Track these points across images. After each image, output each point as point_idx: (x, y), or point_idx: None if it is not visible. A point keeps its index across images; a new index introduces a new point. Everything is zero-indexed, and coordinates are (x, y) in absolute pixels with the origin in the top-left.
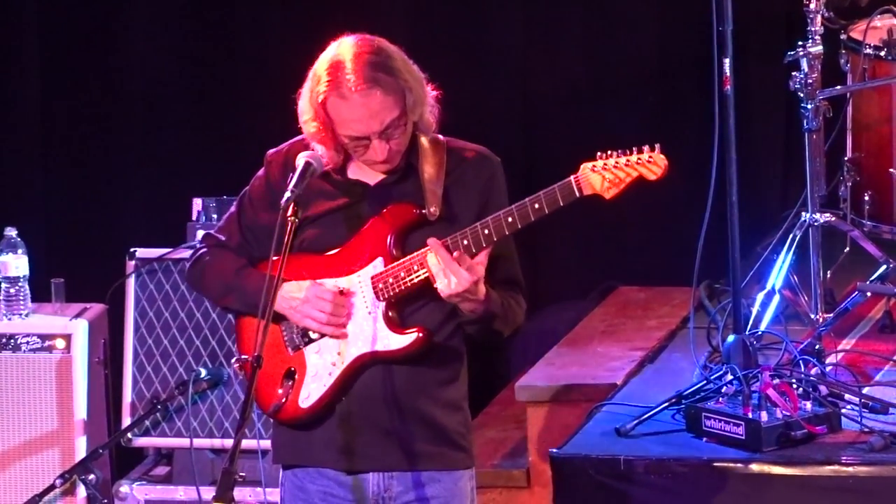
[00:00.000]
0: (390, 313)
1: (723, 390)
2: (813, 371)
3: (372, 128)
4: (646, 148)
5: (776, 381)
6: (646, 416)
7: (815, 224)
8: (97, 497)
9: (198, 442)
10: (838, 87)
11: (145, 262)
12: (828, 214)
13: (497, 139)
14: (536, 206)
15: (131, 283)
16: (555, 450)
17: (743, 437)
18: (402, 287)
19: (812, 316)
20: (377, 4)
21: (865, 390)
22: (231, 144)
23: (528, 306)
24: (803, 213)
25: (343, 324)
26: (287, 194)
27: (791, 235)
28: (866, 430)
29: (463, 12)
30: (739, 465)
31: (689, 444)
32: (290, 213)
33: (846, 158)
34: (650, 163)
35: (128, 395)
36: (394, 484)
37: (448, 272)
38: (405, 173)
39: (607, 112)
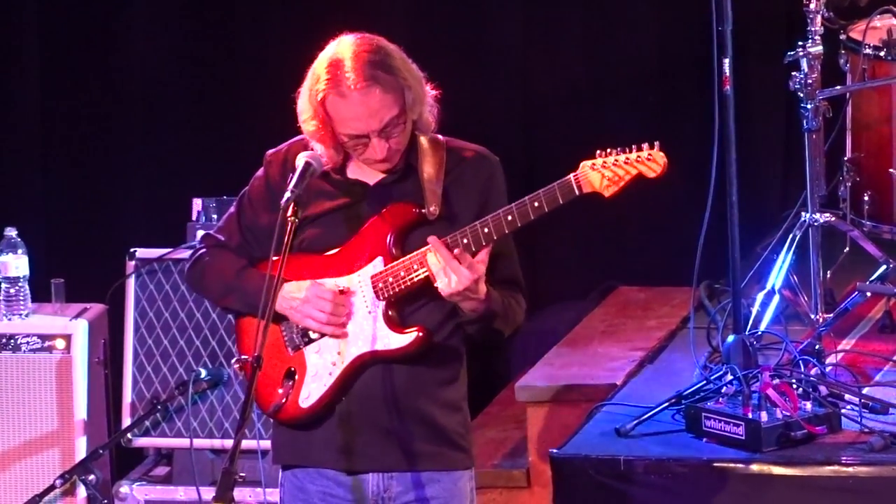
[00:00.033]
0: (390, 312)
1: (723, 390)
2: (813, 371)
3: (371, 126)
4: (645, 146)
5: (776, 381)
6: (646, 416)
7: (815, 224)
8: (97, 497)
9: (198, 442)
10: (838, 87)
11: (145, 262)
12: (828, 214)
13: (497, 139)
14: (536, 204)
15: (131, 283)
16: (555, 450)
17: (743, 438)
18: (402, 286)
19: (812, 316)
20: (377, 4)
21: (865, 390)
22: (231, 144)
23: (527, 306)
24: (803, 213)
25: (343, 323)
26: (287, 194)
27: (791, 235)
28: (866, 430)
29: (463, 12)
30: (739, 465)
31: (689, 445)
32: (290, 213)
33: (846, 158)
34: (649, 160)
35: (128, 396)
36: (393, 484)
37: (448, 271)
38: (405, 173)
39: (607, 112)
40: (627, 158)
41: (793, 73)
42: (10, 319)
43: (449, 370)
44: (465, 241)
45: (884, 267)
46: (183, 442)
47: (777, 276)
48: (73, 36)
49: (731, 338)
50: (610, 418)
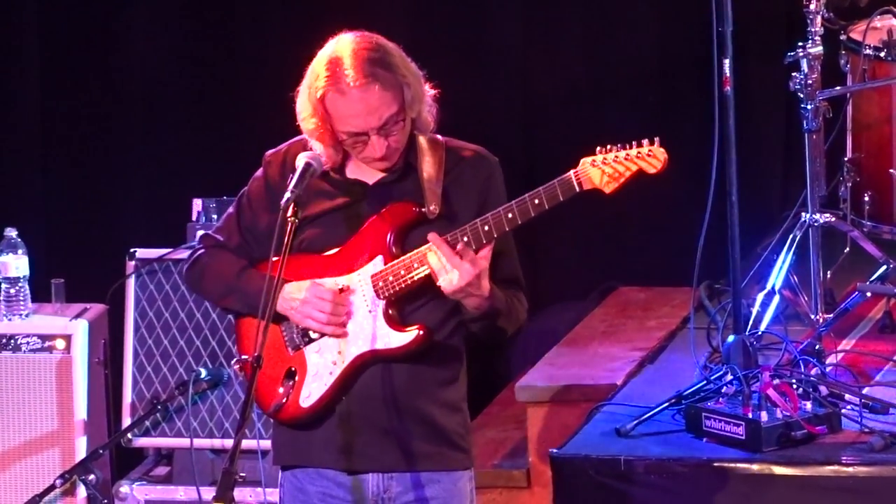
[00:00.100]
0: (390, 311)
1: (723, 390)
2: (813, 371)
3: (370, 123)
4: (645, 142)
5: (776, 381)
6: (646, 416)
7: (815, 224)
8: (97, 497)
9: (198, 442)
10: (838, 87)
11: (145, 262)
12: (828, 215)
13: (497, 139)
14: (536, 201)
15: (131, 283)
16: (555, 450)
17: (743, 438)
18: (403, 285)
19: (812, 316)
20: (377, 4)
21: (865, 390)
22: (231, 144)
23: (528, 306)
24: (803, 214)
25: (343, 323)
26: (287, 194)
27: (791, 236)
28: (866, 430)
29: (463, 12)
30: (739, 465)
31: (689, 445)
32: (290, 213)
33: (846, 159)
34: (650, 156)
35: (128, 396)
36: (393, 485)
37: (450, 267)
38: (404, 172)
39: (607, 112)
40: (628, 155)
41: (793, 74)
42: (10, 319)
43: (449, 370)
44: (466, 239)
45: (884, 267)
46: (183, 442)
47: (777, 277)
48: (73, 36)
49: (731, 338)
50: (610, 418)
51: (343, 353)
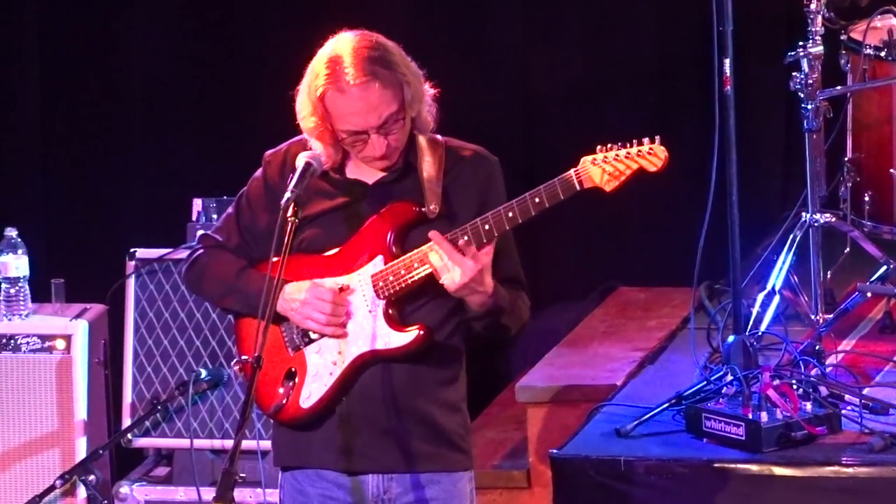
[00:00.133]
0: (391, 311)
1: (723, 391)
2: (813, 372)
3: (370, 122)
4: (646, 140)
5: (776, 381)
6: (646, 416)
7: (816, 224)
8: (97, 498)
9: (198, 443)
10: (838, 87)
11: (145, 262)
12: (828, 215)
13: (497, 139)
14: (537, 200)
15: (131, 283)
16: (555, 450)
17: (743, 438)
18: (403, 284)
19: (812, 316)
20: (377, 4)
21: (865, 391)
22: (231, 144)
23: (530, 304)
24: (803, 214)
25: (343, 323)
26: (287, 194)
27: (791, 236)
28: (866, 430)
29: (463, 12)
30: (740, 465)
31: (690, 445)
32: (290, 213)
33: (846, 159)
34: (650, 154)
35: (128, 396)
36: (393, 486)
37: (452, 265)
38: (404, 171)
39: (607, 112)
40: (628, 153)
41: (793, 74)
42: (10, 320)
43: (449, 370)
44: (466, 237)
45: (884, 267)
46: (183, 442)
47: (777, 277)
48: (73, 36)
49: (731, 338)
50: (610, 419)
51: (343, 354)
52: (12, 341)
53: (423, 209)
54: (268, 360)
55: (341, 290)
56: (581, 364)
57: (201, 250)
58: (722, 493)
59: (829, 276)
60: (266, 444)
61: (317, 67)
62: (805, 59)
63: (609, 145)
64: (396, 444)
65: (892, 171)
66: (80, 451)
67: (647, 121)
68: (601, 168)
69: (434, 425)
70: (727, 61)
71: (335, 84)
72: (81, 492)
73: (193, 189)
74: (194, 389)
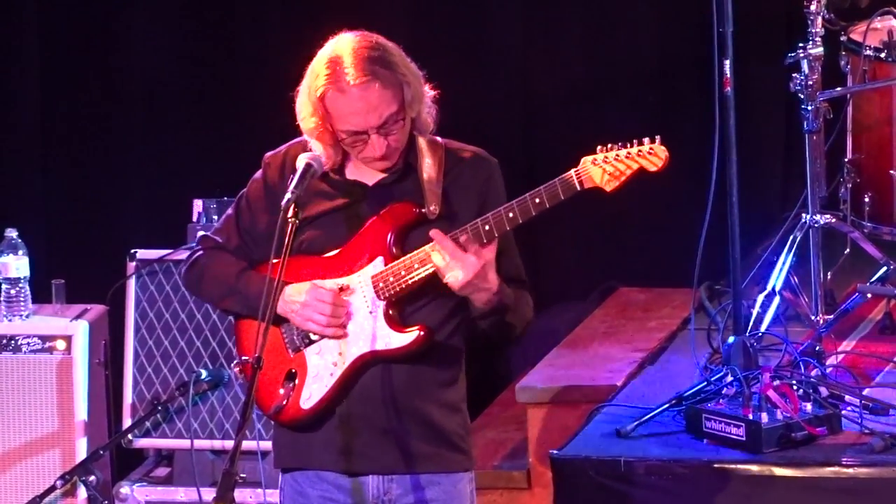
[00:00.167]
0: (391, 312)
1: (723, 391)
2: (813, 372)
3: (370, 122)
4: (646, 140)
5: (776, 382)
6: (646, 417)
7: (816, 225)
8: (98, 498)
9: (198, 443)
10: (839, 88)
11: (146, 263)
12: (828, 216)
13: (497, 139)
14: (537, 200)
15: (132, 284)
16: (555, 451)
17: (743, 439)
18: (403, 285)
19: (812, 317)
20: (377, 4)
21: (866, 392)
22: (231, 144)
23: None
24: (803, 215)
25: (344, 325)
26: (288, 195)
27: (791, 237)
28: (867, 431)
29: (463, 12)
30: (740, 466)
31: (690, 446)
32: (290, 214)
33: (846, 160)
34: (651, 154)
35: (128, 397)
36: (393, 487)
37: (455, 263)
38: (404, 172)
39: (607, 112)
40: (629, 153)
41: (793, 75)
42: (10, 320)
43: (449, 371)
44: (466, 237)
45: (884, 268)
46: (183, 443)
47: (777, 278)
48: (73, 36)
49: (731, 339)
50: (610, 419)
51: (343, 355)
52: (13, 342)
53: (424, 210)
54: (268, 361)
55: (341, 290)
56: (581, 364)
57: (201, 252)
58: (722, 494)
59: (829, 276)
60: (266, 445)
61: (317, 68)
62: (805, 61)
63: (609, 145)
64: (396, 445)
65: (892, 172)
66: (81, 452)
67: (647, 121)
68: (601, 168)
69: (434, 426)
70: (727, 62)
71: (335, 84)
72: (82, 492)
73: (194, 189)
74: (195, 390)
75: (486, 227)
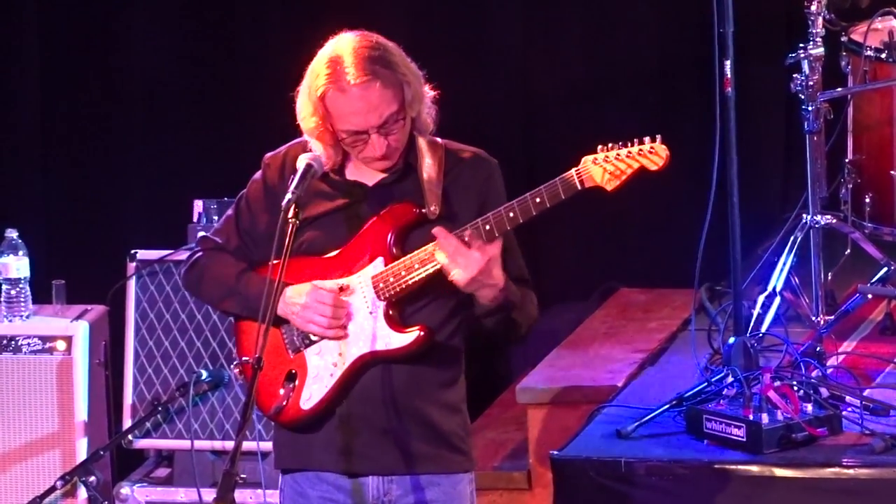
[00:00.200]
0: (391, 312)
1: (723, 392)
2: (814, 373)
3: (370, 121)
4: (647, 139)
5: (777, 383)
6: (647, 418)
7: (816, 226)
8: (98, 499)
9: (198, 444)
10: (839, 89)
11: (146, 263)
12: (829, 216)
13: (497, 139)
14: (538, 199)
15: (132, 284)
16: (555, 452)
17: (744, 439)
18: (403, 285)
19: (813, 318)
20: (377, 4)
21: (866, 392)
22: (231, 145)
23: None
24: (804, 215)
25: (344, 325)
26: (288, 196)
27: (792, 237)
28: (867, 432)
29: (463, 12)
30: (740, 467)
31: (690, 446)
32: (290, 214)
33: (847, 160)
34: (651, 153)
35: (128, 397)
36: (393, 488)
37: (459, 259)
38: (404, 173)
39: (607, 112)
40: (629, 152)
41: (794, 75)
42: (10, 321)
43: (449, 371)
44: (469, 234)
45: (885, 269)
46: (184, 443)
47: (778, 278)
48: (73, 36)
49: (732, 339)
50: (611, 420)
51: (343, 355)
52: (13, 342)
53: (424, 210)
54: (268, 361)
55: (341, 290)
56: (582, 365)
57: (200, 252)
58: (722, 495)
59: (829, 277)
60: (266, 445)
61: (317, 68)
62: (806, 61)
63: (610, 145)
64: (396, 445)
65: (892, 172)
66: (81, 453)
67: (647, 121)
68: (602, 167)
69: (434, 426)
70: (728, 63)
71: (336, 84)
72: (82, 493)
73: (194, 190)
74: (195, 391)
75: (487, 227)
